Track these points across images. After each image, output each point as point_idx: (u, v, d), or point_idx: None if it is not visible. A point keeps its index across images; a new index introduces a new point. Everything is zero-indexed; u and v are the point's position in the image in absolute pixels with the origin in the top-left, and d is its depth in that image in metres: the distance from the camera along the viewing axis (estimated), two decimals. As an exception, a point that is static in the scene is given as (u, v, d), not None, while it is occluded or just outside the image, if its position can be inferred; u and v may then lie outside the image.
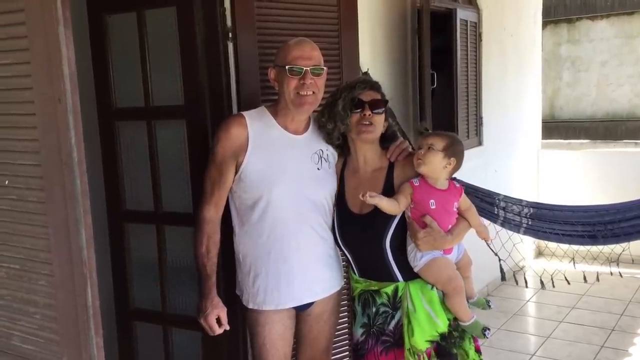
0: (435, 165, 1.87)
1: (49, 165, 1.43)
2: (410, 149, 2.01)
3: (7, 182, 1.54)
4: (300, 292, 1.99)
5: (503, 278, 3.49)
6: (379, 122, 1.93)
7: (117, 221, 2.48)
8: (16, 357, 1.63)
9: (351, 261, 2.03)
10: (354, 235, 1.98)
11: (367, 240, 1.95)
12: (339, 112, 1.92)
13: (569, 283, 3.71)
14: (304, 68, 1.90)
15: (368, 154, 1.99)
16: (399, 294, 1.93)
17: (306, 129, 2.03)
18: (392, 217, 1.89)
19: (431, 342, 1.88)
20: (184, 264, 2.39)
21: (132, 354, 2.53)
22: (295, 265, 1.97)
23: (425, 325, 1.87)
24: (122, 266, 2.51)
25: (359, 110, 1.90)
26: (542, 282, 3.99)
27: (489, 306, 2.08)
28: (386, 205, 1.84)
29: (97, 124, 2.44)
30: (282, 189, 1.94)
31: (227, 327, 1.97)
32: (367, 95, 1.92)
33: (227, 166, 1.93)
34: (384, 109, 1.94)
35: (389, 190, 1.92)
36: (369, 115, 1.90)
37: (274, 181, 1.93)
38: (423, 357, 1.86)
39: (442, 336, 1.89)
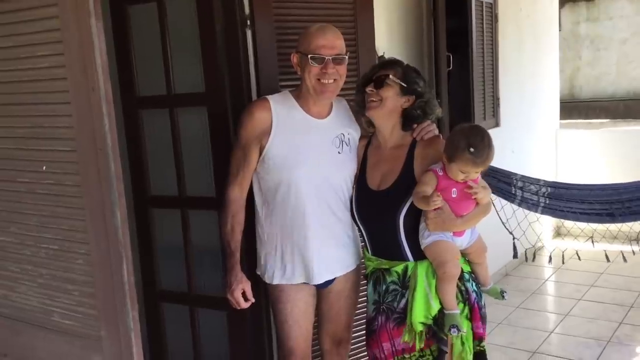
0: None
1: (84, 151, 1.51)
2: (436, 131, 2.03)
3: (44, 168, 1.62)
4: (318, 269, 2.05)
5: (515, 256, 3.53)
6: (386, 96, 1.96)
7: (143, 206, 2.57)
8: (57, 332, 1.72)
9: (365, 238, 2.07)
10: (369, 211, 2.02)
11: (381, 215, 1.99)
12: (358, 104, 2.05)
13: (579, 259, 3.72)
14: (326, 57, 1.94)
15: (387, 132, 2.03)
16: (409, 273, 1.97)
17: (329, 112, 2.08)
18: (408, 194, 1.93)
19: (425, 324, 1.92)
20: (208, 246, 2.47)
21: (160, 334, 2.63)
22: (314, 244, 2.03)
23: (422, 302, 1.91)
24: (148, 250, 2.59)
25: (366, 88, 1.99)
26: (550, 258, 4.00)
27: (503, 297, 2.09)
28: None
29: (121, 113, 2.52)
30: (304, 171, 2.00)
31: (253, 300, 2.05)
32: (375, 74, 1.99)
33: (251, 148, 1.99)
34: (386, 81, 1.95)
35: (408, 168, 1.96)
36: (371, 91, 1.97)
37: (296, 164, 1.99)
38: (418, 337, 1.91)
39: (435, 320, 1.92)
